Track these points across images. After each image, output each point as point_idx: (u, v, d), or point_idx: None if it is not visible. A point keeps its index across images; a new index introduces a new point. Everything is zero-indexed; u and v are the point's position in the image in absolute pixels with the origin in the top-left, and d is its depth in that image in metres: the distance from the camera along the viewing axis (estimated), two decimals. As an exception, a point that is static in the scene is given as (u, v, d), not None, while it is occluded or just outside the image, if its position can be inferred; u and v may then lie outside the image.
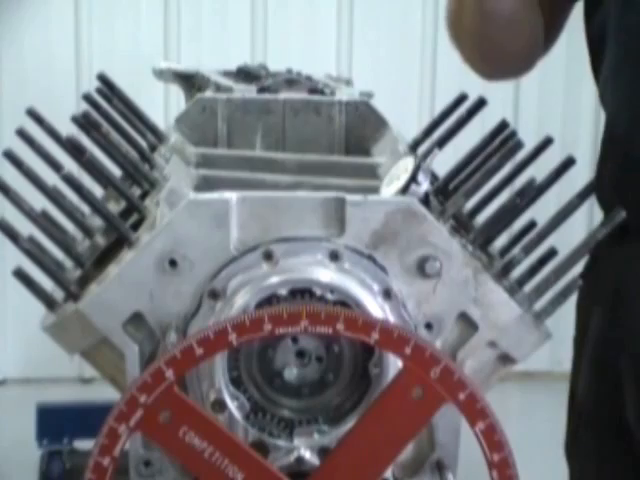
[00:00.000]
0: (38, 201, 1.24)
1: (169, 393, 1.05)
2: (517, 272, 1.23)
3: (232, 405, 1.13)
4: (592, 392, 1.39)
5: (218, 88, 1.72)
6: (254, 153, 1.52)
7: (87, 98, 1.44)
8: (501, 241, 1.28)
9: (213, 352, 1.06)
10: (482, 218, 1.27)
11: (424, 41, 3.38)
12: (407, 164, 1.22)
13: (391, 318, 1.14)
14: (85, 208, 1.28)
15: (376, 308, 1.13)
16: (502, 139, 1.37)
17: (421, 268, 1.14)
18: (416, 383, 1.06)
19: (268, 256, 1.13)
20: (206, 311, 1.14)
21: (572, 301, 1.27)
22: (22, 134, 1.32)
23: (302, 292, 1.13)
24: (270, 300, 1.12)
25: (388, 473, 1.17)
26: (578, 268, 1.23)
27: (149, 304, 1.13)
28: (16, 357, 3.33)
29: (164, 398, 1.05)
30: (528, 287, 1.22)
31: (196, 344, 1.05)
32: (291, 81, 1.75)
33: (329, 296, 1.12)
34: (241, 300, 1.11)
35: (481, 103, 1.46)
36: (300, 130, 1.56)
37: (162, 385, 1.05)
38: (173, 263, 1.12)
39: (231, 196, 1.13)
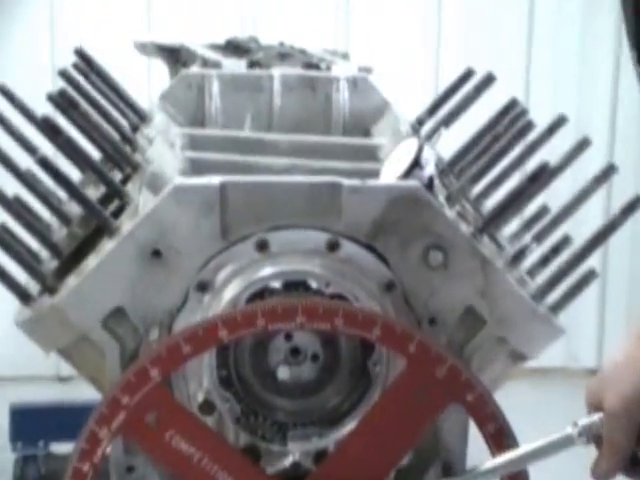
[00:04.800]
0: (10, 186, 1.23)
1: (154, 394, 1.04)
2: (528, 262, 1.23)
3: (222, 407, 1.12)
4: None
5: (205, 63, 1.71)
6: (245, 134, 1.50)
7: (63, 74, 1.43)
8: (511, 228, 1.28)
9: (202, 350, 1.06)
10: (491, 204, 1.27)
11: (427, 10, 3.36)
12: (410, 145, 1.21)
13: (393, 313, 1.13)
14: (62, 194, 1.27)
15: (377, 302, 1.13)
16: (512, 118, 1.37)
17: (425, 259, 1.14)
18: (420, 383, 1.05)
19: (262, 246, 1.13)
20: (193, 305, 1.13)
21: (587, 293, 1.25)
22: (-8, 113, 1.28)
23: (297, 285, 1.13)
24: (262, 294, 1.12)
25: (390, 478, 1.16)
26: (594, 258, 1.23)
27: (131, 298, 1.13)
28: (-12, 354, 3.32)
29: (149, 400, 1.04)
30: (540, 278, 1.22)
31: (183, 341, 1.05)
32: (284, 55, 1.75)
33: (326, 289, 1.12)
34: (231, 293, 1.12)
35: (489, 79, 1.46)
36: (294, 108, 1.55)
37: (147, 386, 1.04)
38: (157, 253, 1.12)
39: (221, 181, 1.12)
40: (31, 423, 2.67)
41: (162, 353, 1.05)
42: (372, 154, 1.42)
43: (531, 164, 1.24)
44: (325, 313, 1.05)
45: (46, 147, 1.25)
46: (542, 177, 1.20)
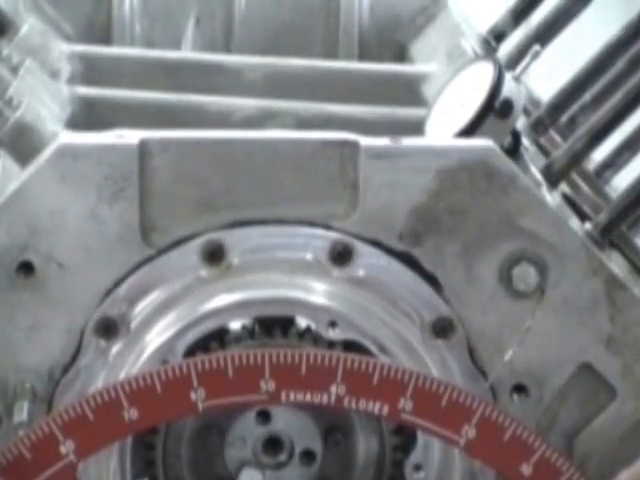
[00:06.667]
0: None
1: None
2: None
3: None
4: None
5: None
6: (183, 55, 1.27)
7: None
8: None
9: (93, 449, 0.82)
10: (623, 182, 1.03)
11: None
12: (479, 76, 0.98)
13: (449, 375, 0.91)
14: None
15: (418, 356, 0.90)
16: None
17: (505, 279, 0.92)
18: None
19: (213, 255, 0.90)
20: (91, 360, 0.90)
21: None
22: None
23: (276, 325, 0.90)
24: (214, 340, 0.89)
25: None
26: None
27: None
28: None
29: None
30: None
31: (60, 432, 0.81)
32: None
33: (329, 332, 0.89)
34: (159, 340, 0.89)
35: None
36: (270, 12, 1.30)
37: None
38: (27, 267, 0.90)
39: (140, 138, 0.90)
40: None
41: (23, 453, 0.81)
42: (410, 91, 1.18)
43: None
44: (326, 375, 0.82)
45: None
46: None
